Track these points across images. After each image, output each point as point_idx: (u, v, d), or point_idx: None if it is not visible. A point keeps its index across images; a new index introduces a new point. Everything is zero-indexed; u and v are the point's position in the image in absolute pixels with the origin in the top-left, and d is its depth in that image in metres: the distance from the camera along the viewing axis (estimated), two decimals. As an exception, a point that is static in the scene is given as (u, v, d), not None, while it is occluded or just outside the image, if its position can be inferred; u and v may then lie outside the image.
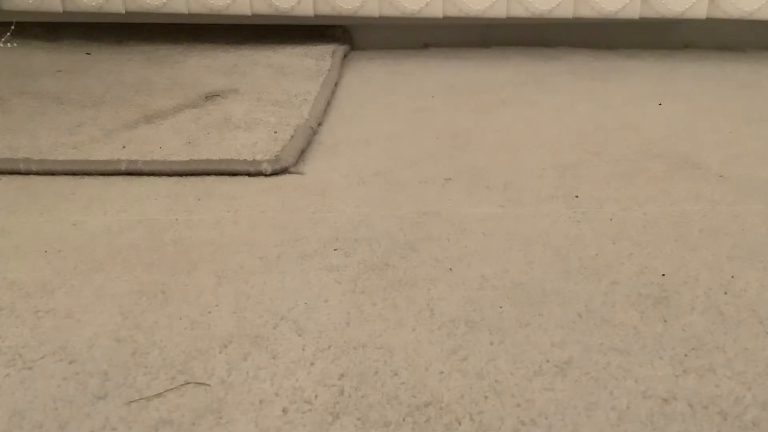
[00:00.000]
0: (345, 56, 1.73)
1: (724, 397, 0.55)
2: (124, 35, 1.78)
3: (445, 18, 1.68)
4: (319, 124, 1.23)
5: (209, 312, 0.66)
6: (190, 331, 0.63)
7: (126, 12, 1.65)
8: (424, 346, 0.61)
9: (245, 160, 1.03)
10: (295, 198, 0.93)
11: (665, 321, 0.66)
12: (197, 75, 1.48)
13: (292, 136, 1.12)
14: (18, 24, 1.77)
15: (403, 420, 0.53)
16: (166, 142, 1.09)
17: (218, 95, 1.34)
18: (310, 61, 1.60)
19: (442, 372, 0.58)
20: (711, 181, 1.00)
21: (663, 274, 0.74)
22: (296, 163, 1.05)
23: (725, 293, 0.71)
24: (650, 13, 1.67)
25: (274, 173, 1.01)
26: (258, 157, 1.04)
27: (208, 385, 0.56)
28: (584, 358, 0.60)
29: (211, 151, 1.06)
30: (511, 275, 0.73)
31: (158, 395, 0.55)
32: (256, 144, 1.09)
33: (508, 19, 1.68)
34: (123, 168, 1.00)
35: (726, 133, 1.22)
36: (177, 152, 1.06)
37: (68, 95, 1.33)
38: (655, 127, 1.25)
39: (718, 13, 1.67)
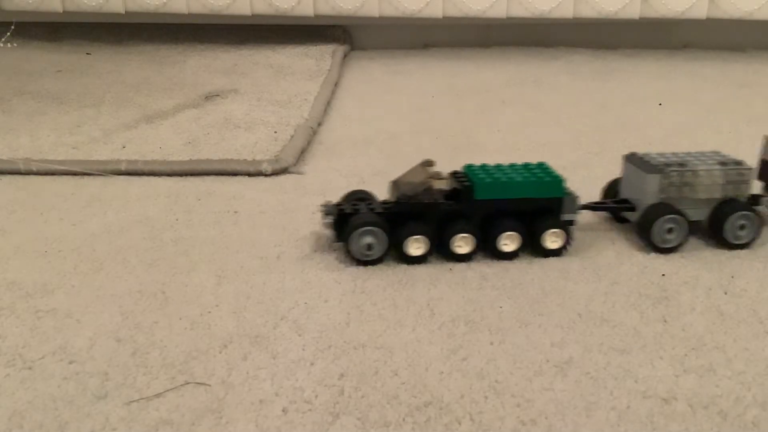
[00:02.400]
0: (345, 56, 1.73)
1: (724, 397, 0.55)
2: (124, 35, 1.78)
3: (445, 18, 1.68)
4: (319, 124, 1.23)
5: (209, 312, 0.66)
6: (190, 331, 0.63)
7: (126, 12, 1.65)
8: (424, 346, 0.61)
9: (245, 160, 1.03)
10: (295, 198, 0.93)
11: (665, 321, 0.66)
12: (197, 75, 1.48)
13: (292, 136, 1.12)
14: (18, 24, 1.77)
15: (403, 420, 0.53)
16: (166, 142, 1.09)
17: (218, 95, 1.34)
18: (310, 61, 1.60)
19: (442, 372, 0.58)
20: (711, 181, 1.00)
21: (663, 274, 0.74)
22: (296, 163, 1.05)
23: (725, 293, 0.71)
24: (650, 13, 1.67)
25: (274, 173, 1.01)
26: (258, 157, 1.04)
27: (208, 385, 0.56)
28: (584, 358, 0.60)
29: (211, 151, 1.06)
30: (511, 275, 0.73)
31: (158, 395, 0.55)
32: (256, 144, 1.09)
33: (508, 19, 1.68)
34: (123, 168, 1.00)
35: (726, 133, 1.22)
36: (177, 152, 1.06)
37: (68, 95, 1.33)
38: (655, 127, 1.25)
39: (718, 13, 1.68)
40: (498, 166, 0.79)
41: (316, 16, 1.67)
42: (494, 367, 0.59)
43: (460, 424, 0.52)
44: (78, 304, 0.67)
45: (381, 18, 1.67)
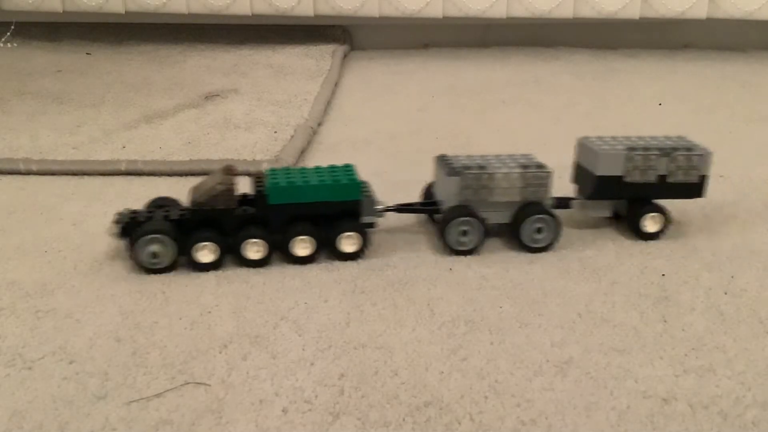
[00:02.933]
0: (345, 56, 1.73)
1: (724, 397, 0.56)
2: (124, 35, 1.78)
3: (445, 18, 1.68)
4: (319, 124, 1.23)
5: (209, 312, 0.66)
6: (190, 331, 0.63)
7: (126, 12, 1.65)
8: (424, 346, 0.61)
9: (245, 160, 1.03)
10: (295, 198, 0.93)
11: (665, 321, 0.66)
12: (197, 75, 1.48)
13: (292, 136, 1.12)
14: (18, 24, 1.77)
15: (403, 420, 0.53)
16: (166, 142, 1.09)
17: (218, 95, 1.34)
18: (310, 61, 1.60)
19: (442, 372, 0.58)
20: (711, 181, 1.00)
21: (663, 274, 0.74)
22: (296, 163, 1.05)
23: (725, 293, 0.71)
24: (650, 13, 1.67)
25: (274, 173, 1.01)
26: (258, 157, 1.04)
27: (208, 385, 0.56)
28: (584, 358, 0.60)
29: (211, 151, 1.06)
30: (511, 275, 0.73)
31: (158, 395, 0.55)
32: (256, 144, 1.09)
33: (508, 19, 1.68)
34: (123, 168, 1.00)
35: (726, 133, 1.22)
36: (177, 152, 1.06)
37: (68, 95, 1.33)
38: (655, 127, 1.25)
39: (718, 13, 1.67)
40: (301, 170, 0.78)
41: (316, 16, 1.67)
42: (494, 367, 0.59)
43: (460, 424, 0.52)
44: (78, 304, 0.67)
45: (381, 18, 1.67)
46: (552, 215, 0.78)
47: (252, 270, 0.74)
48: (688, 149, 0.81)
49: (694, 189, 0.82)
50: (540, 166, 0.79)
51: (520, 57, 1.76)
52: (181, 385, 0.56)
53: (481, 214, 0.78)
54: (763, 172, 1.05)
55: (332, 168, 0.78)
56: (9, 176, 0.99)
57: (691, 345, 0.62)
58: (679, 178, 0.81)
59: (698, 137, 1.20)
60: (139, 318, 0.65)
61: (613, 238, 0.82)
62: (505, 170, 0.78)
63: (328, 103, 1.36)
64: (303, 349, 0.61)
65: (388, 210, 0.81)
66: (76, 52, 1.66)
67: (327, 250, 0.76)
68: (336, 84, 1.49)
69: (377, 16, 1.66)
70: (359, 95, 1.44)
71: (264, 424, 0.52)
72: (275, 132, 1.14)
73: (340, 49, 1.71)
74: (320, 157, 1.08)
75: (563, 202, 0.84)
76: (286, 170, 0.78)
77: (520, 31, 1.87)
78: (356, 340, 0.62)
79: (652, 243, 0.81)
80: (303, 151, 1.09)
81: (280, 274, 0.73)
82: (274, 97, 1.33)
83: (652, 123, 1.27)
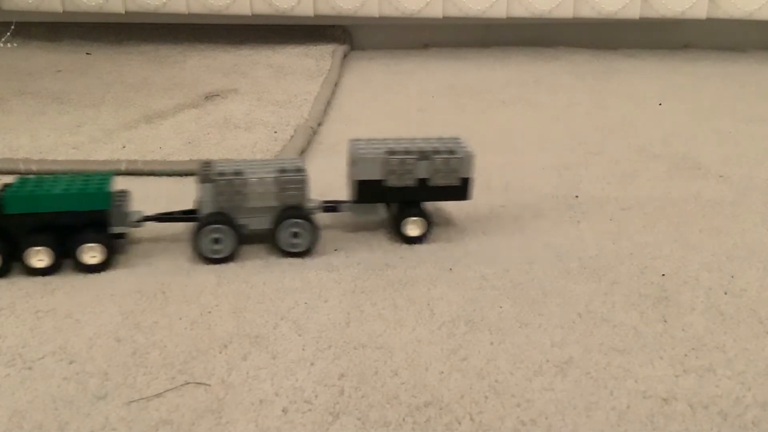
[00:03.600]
0: (345, 56, 1.73)
1: (724, 397, 0.56)
2: (124, 35, 1.78)
3: (445, 18, 1.68)
4: (319, 124, 1.23)
5: (209, 312, 0.66)
6: (190, 331, 0.63)
7: (126, 12, 1.65)
8: (424, 346, 0.61)
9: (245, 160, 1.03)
10: (295, 198, 0.93)
11: (665, 321, 0.66)
12: (197, 75, 1.48)
13: (292, 136, 1.12)
14: (18, 24, 1.77)
15: (403, 420, 0.53)
16: (166, 142, 1.09)
17: (218, 95, 1.34)
18: (310, 61, 1.60)
19: (442, 372, 0.58)
20: (711, 181, 1.00)
21: (663, 274, 0.74)
22: (296, 163, 1.05)
23: (725, 293, 0.71)
24: (650, 13, 1.67)
25: (274, 173, 1.01)
26: (258, 157, 1.03)
27: (208, 385, 0.56)
28: (584, 358, 0.60)
29: (211, 151, 1.06)
30: (511, 275, 0.73)
31: (158, 395, 0.55)
32: (256, 144, 1.09)
33: (508, 19, 1.68)
34: (123, 168, 1.00)
35: (726, 133, 1.22)
36: (177, 152, 1.06)
37: (68, 95, 1.33)
38: (655, 127, 1.25)
39: (718, 13, 1.68)
40: (53, 178, 0.75)
41: (316, 16, 1.67)
42: (494, 367, 0.59)
43: (460, 424, 0.52)
44: (78, 304, 0.67)
45: (381, 18, 1.67)
46: (308, 219, 0.77)
47: (252, 270, 0.74)
48: (451, 152, 0.80)
49: (457, 191, 0.81)
50: (298, 169, 0.78)
51: (520, 57, 1.76)
52: (181, 385, 0.56)
53: (240, 220, 0.76)
54: (763, 172, 1.05)
55: (86, 177, 0.76)
56: (9, 176, 0.99)
57: (691, 345, 0.62)
58: (440, 181, 0.80)
59: (698, 137, 1.20)
60: (139, 318, 0.65)
61: (614, 238, 0.82)
62: (259, 175, 0.76)
63: (328, 103, 1.36)
64: (303, 349, 0.61)
65: (147, 219, 0.79)
66: (76, 52, 1.66)
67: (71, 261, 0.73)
68: (336, 84, 1.49)
69: (377, 16, 1.66)
70: (359, 95, 1.44)
71: (264, 424, 0.52)
72: (275, 132, 1.14)
73: (340, 49, 1.71)
74: (320, 157, 1.08)
75: (332, 206, 0.83)
76: (38, 179, 0.75)
77: (520, 31, 1.87)
78: (356, 340, 0.62)
79: (651, 243, 0.81)
80: (303, 151, 1.09)
81: (280, 274, 0.73)
82: (274, 97, 1.33)
83: (652, 123, 1.27)
